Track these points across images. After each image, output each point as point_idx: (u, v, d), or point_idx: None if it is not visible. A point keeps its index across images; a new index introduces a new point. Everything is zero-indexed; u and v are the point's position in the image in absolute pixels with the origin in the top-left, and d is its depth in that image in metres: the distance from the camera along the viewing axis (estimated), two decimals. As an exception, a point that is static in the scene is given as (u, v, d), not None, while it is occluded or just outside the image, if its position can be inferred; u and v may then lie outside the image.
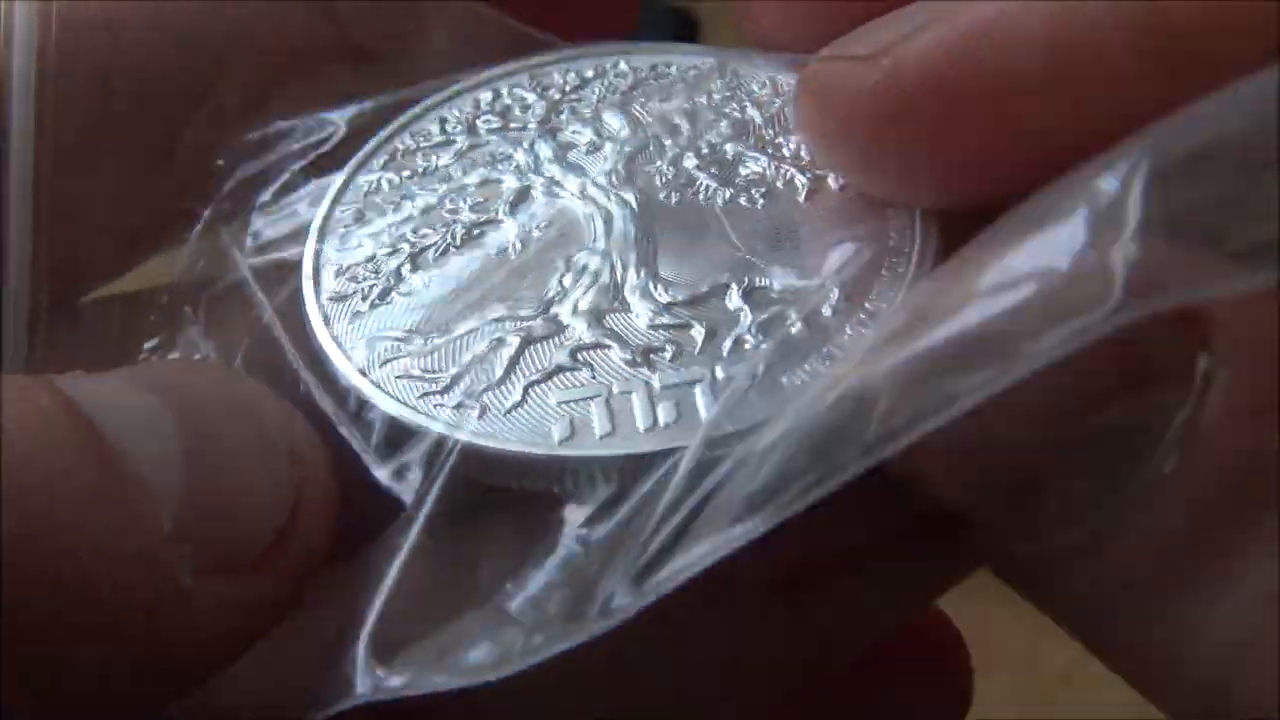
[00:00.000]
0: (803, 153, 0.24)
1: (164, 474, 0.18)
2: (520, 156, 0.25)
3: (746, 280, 0.22)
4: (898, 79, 0.20)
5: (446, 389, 0.21)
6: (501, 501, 0.21)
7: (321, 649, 0.19)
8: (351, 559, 0.20)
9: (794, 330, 0.21)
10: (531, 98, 0.26)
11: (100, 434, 0.18)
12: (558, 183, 0.24)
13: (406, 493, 0.21)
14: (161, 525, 0.18)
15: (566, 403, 0.21)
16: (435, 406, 0.21)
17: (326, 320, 0.23)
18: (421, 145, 0.25)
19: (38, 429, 0.18)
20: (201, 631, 0.18)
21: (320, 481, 0.20)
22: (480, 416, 0.21)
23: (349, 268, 0.23)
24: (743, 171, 0.24)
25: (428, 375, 0.21)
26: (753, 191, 0.23)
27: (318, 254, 0.24)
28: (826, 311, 0.21)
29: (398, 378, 0.22)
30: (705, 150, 0.24)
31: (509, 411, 0.21)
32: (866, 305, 0.21)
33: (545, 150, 0.25)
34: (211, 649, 0.19)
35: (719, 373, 0.21)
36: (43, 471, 0.17)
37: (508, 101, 0.26)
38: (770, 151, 0.24)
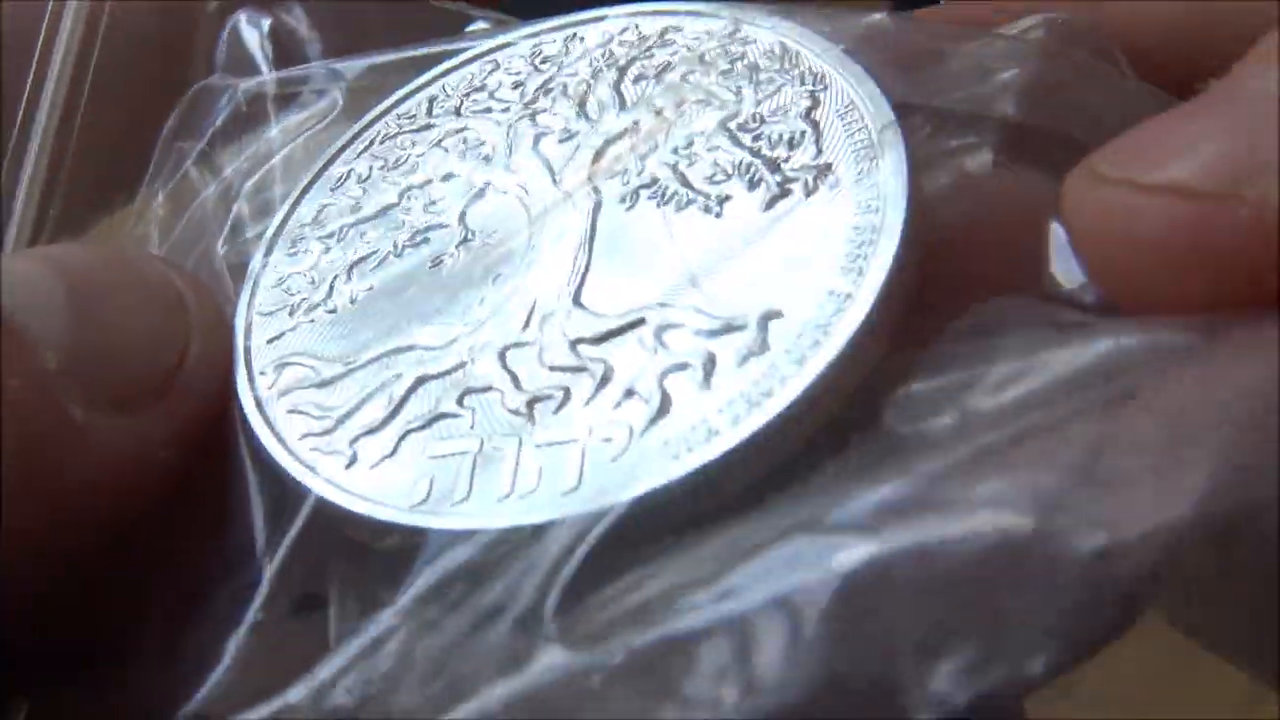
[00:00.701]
0: (783, 149, 0.20)
1: (47, 322, 0.20)
2: (493, 141, 0.22)
3: (666, 317, 0.19)
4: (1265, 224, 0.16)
5: (329, 431, 0.20)
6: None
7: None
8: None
9: (693, 383, 0.18)
10: (527, 71, 0.23)
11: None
12: (516, 181, 0.22)
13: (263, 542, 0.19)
14: (45, 363, 0.19)
15: (436, 458, 0.19)
16: (310, 450, 0.20)
17: (248, 334, 0.21)
18: (404, 129, 0.23)
19: None
20: (101, 464, 0.19)
21: (210, 329, 0.21)
22: (348, 466, 0.19)
23: (288, 277, 0.22)
24: (710, 171, 0.21)
25: (318, 412, 0.20)
26: (713, 196, 0.20)
27: (267, 255, 0.22)
28: (731, 359, 0.18)
29: (289, 412, 0.20)
30: (681, 144, 0.21)
31: (376, 464, 0.19)
32: (781, 351, 0.18)
33: (521, 136, 0.22)
34: (113, 483, 0.20)
35: (597, 432, 0.18)
36: None
37: (501, 78, 0.24)
38: (749, 143, 0.21)
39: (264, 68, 0.26)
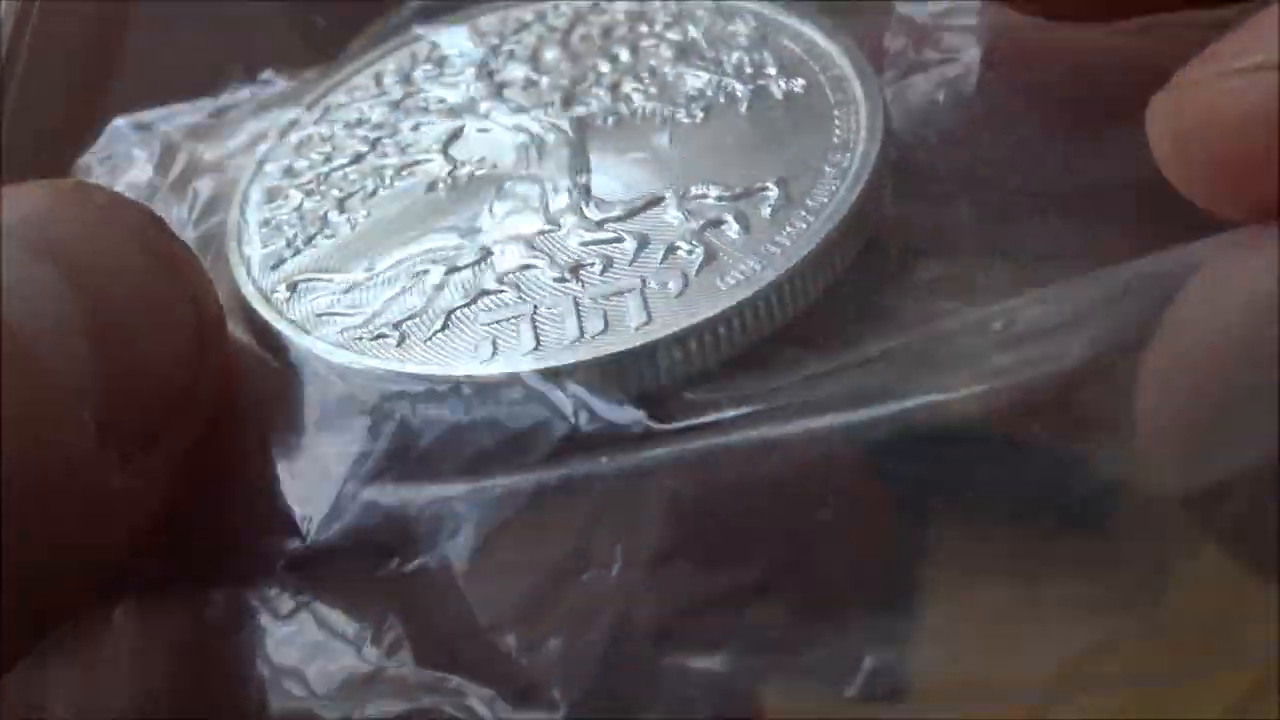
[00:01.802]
0: (746, 66, 0.23)
1: (72, 360, 0.17)
2: (454, 98, 0.24)
3: (683, 190, 0.21)
4: None
5: (366, 322, 0.20)
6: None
7: None
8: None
9: (731, 233, 0.20)
10: (469, 45, 0.25)
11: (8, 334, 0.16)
12: (490, 118, 0.23)
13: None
14: (85, 424, 0.17)
15: (491, 324, 0.19)
16: (354, 339, 0.20)
17: (247, 267, 0.21)
18: (356, 99, 0.24)
19: None
20: (109, 505, 0.17)
21: (218, 320, 0.19)
22: (399, 345, 0.20)
23: (274, 221, 0.22)
24: (683, 89, 0.23)
25: (351, 311, 0.20)
26: (692, 107, 0.22)
27: (242, 209, 0.23)
28: (765, 212, 0.20)
29: (318, 315, 0.20)
30: (645, 74, 0.23)
31: (429, 338, 0.20)
32: (808, 202, 0.20)
33: (480, 90, 0.24)
34: (123, 523, 0.18)
35: (650, 281, 0.19)
36: None
37: (445, 51, 0.25)
38: (712, 68, 0.23)
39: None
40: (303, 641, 0.19)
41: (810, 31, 0.23)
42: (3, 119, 0.24)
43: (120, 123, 0.25)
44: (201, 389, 0.19)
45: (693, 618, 0.17)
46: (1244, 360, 0.17)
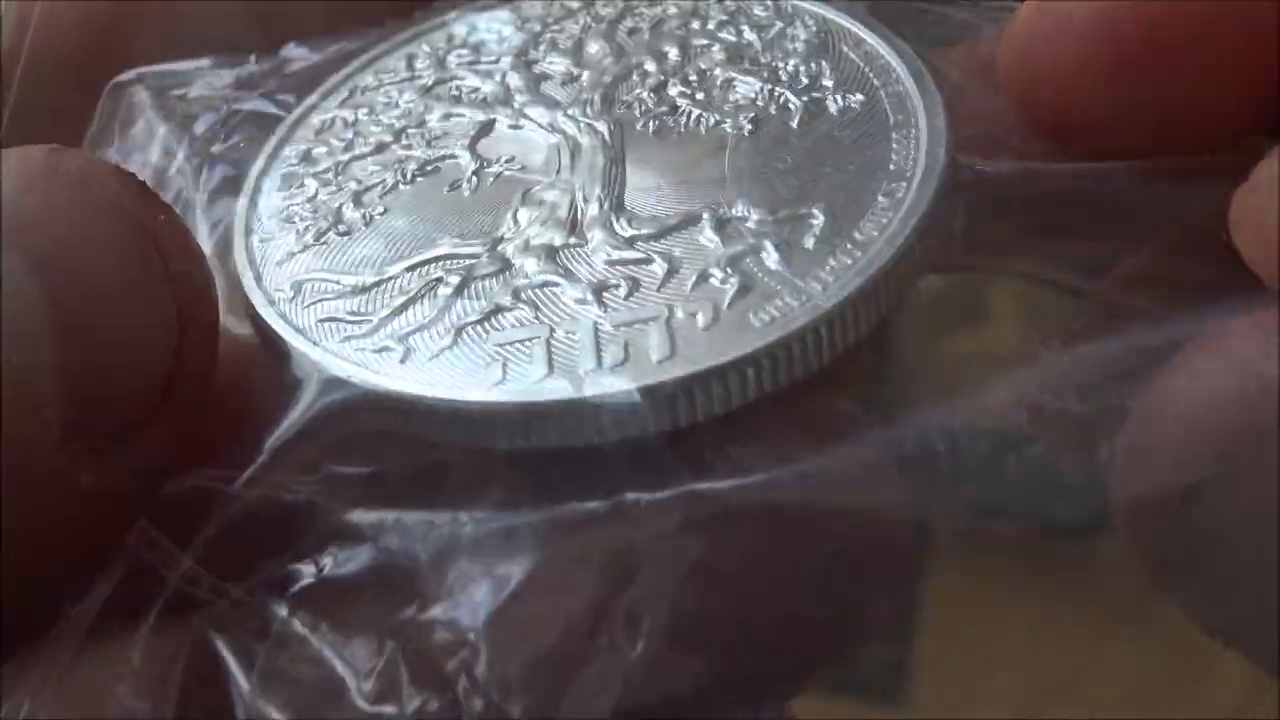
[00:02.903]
0: (802, 75, 0.21)
1: (33, 355, 0.16)
2: (488, 88, 0.22)
3: (721, 210, 0.19)
4: None
5: (373, 331, 0.19)
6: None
7: None
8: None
9: (770, 263, 0.18)
10: (510, 30, 0.23)
11: None
12: (525, 114, 0.21)
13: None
14: (48, 422, 0.16)
15: (504, 345, 0.18)
16: (356, 351, 0.18)
17: (252, 262, 0.20)
18: (385, 82, 0.23)
19: None
20: (82, 503, 0.17)
21: (206, 303, 0.18)
22: (403, 361, 0.18)
23: (287, 208, 0.21)
24: (732, 96, 0.21)
25: (355, 318, 0.19)
26: (740, 117, 0.21)
27: (253, 196, 0.21)
28: (809, 241, 0.18)
29: (321, 321, 0.19)
30: (693, 77, 0.21)
31: (435, 355, 0.18)
32: (856, 235, 0.18)
33: (516, 81, 0.22)
34: (98, 520, 0.17)
35: (678, 311, 0.18)
36: None
37: (483, 35, 0.23)
38: (765, 75, 0.21)
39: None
40: (296, 676, 0.17)
41: (873, 41, 0.21)
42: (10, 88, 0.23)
43: (134, 87, 0.23)
44: (185, 379, 0.17)
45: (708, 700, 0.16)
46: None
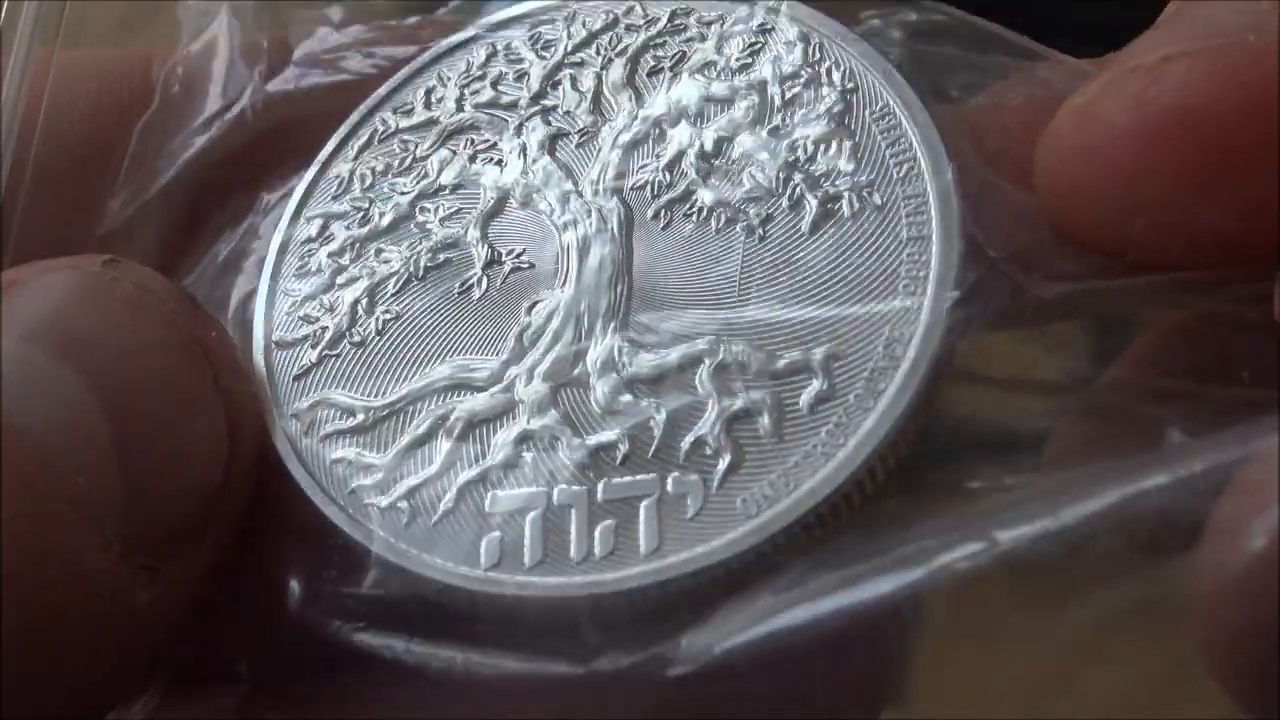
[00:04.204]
0: (819, 160, 0.20)
1: (95, 476, 0.16)
2: (506, 145, 0.22)
3: (721, 353, 0.19)
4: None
5: (380, 486, 0.19)
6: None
7: None
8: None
9: (761, 431, 0.18)
10: (530, 58, 0.22)
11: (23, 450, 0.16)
12: (538, 190, 0.21)
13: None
14: (108, 543, 0.16)
15: (503, 514, 0.19)
16: (366, 503, 0.19)
17: (270, 370, 0.21)
18: (402, 125, 0.22)
19: None
20: (149, 629, 0.17)
21: (249, 409, 0.19)
22: (408, 525, 0.19)
23: (303, 303, 0.21)
24: (746, 183, 0.20)
25: (365, 462, 0.19)
26: (751, 213, 0.20)
27: (270, 285, 0.21)
28: (802, 402, 0.18)
29: (334, 462, 0.20)
30: (709, 148, 0.20)
31: (438, 520, 0.19)
32: (850, 397, 0.18)
33: (535, 137, 0.21)
34: (132, 635, 0.18)
35: (669, 486, 0.18)
36: None
37: (501, 68, 0.22)
38: (784, 152, 0.20)
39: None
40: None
41: (900, 112, 0.20)
42: None
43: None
44: (233, 492, 0.18)
45: None
46: None
